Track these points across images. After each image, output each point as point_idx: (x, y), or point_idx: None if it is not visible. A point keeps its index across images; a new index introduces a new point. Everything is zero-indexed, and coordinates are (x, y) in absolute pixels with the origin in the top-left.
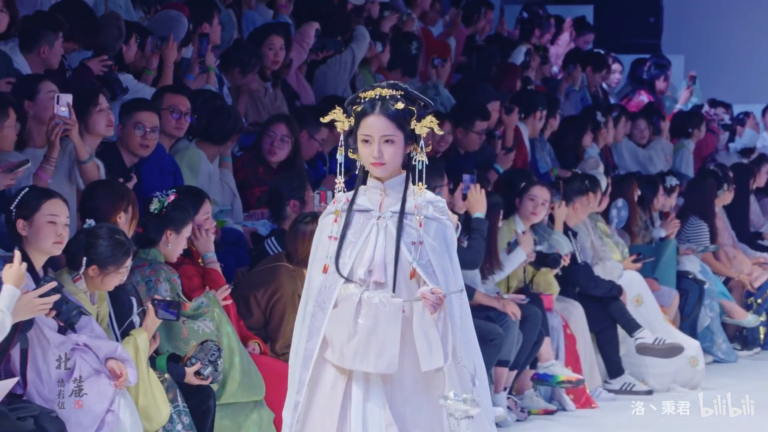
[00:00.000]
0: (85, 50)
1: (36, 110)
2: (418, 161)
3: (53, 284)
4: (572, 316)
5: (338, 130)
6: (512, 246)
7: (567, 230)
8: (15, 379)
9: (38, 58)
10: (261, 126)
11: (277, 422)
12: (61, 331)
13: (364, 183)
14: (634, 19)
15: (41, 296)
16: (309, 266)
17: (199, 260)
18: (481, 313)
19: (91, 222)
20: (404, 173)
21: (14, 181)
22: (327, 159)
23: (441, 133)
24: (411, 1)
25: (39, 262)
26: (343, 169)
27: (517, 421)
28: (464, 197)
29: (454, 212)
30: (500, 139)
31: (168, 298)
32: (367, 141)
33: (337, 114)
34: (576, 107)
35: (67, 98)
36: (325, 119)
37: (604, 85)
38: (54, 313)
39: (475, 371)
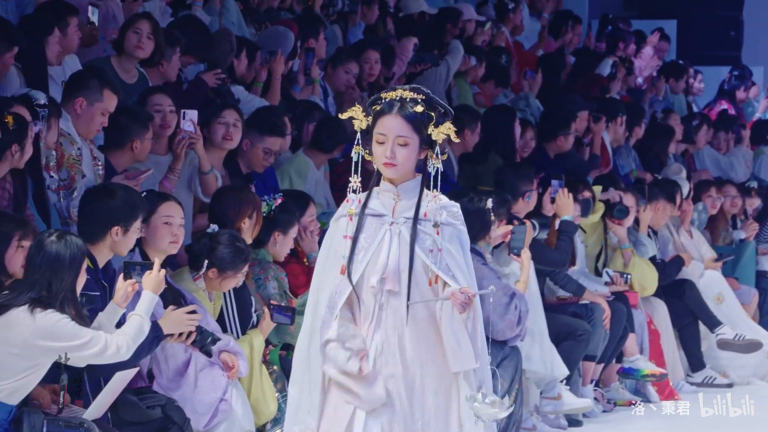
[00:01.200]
0: (199, 64)
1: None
2: (433, 167)
3: (194, 306)
4: (656, 312)
5: (355, 128)
6: (608, 275)
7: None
8: (135, 370)
9: (158, 72)
10: None
11: None
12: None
13: (378, 185)
14: (715, 33)
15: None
16: (320, 266)
17: (305, 259)
18: (568, 310)
19: (214, 227)
20: (419, 177)
21: (138, 187)
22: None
23: (457, 140)
24: (504, 17)
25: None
26: (359, 168)
27: (603, 411)
28: (552, 201)
29: (542, 214)
30: (588, 146)
31: (283, 303)
32: (381, 141)
33: (355, 111)
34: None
35: (192, 114)
36: (344, 116)
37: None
38: (192, 338)
39: (484, 379)
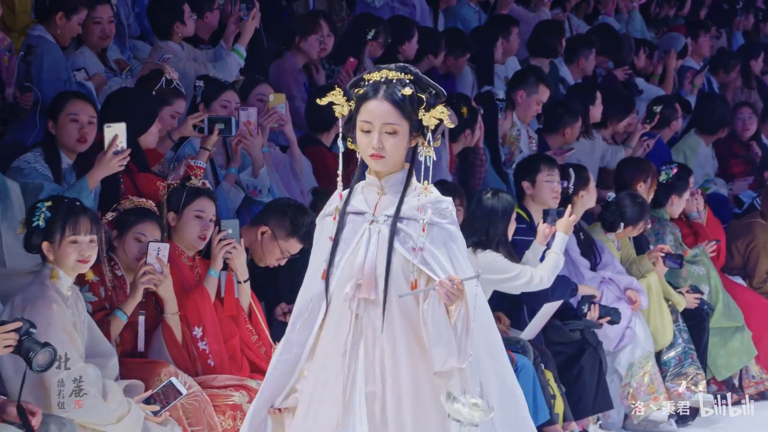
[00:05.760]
0: (609, 61)
1: None
2: (426, 156)
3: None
4: None
5: (336, 114)
6: None
7: None
8: (559, 302)
9: (577, 68)
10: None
11: (755, 339)
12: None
13: (363, 179)
14: None
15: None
16: (309, 268)
17: (682, 216)
18: None
19: (611, 194)
20: (406, 168)
21: (562, 161)
22: None
23: (451, 125)
24: None
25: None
26: (346, 160)
27: None
28: None
29: None
30: None
31: (672, 251)
32: (366, 130)
33: (335, 96)
34: None
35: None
36: (323, 101)
37: None
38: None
39: (483, 386)
